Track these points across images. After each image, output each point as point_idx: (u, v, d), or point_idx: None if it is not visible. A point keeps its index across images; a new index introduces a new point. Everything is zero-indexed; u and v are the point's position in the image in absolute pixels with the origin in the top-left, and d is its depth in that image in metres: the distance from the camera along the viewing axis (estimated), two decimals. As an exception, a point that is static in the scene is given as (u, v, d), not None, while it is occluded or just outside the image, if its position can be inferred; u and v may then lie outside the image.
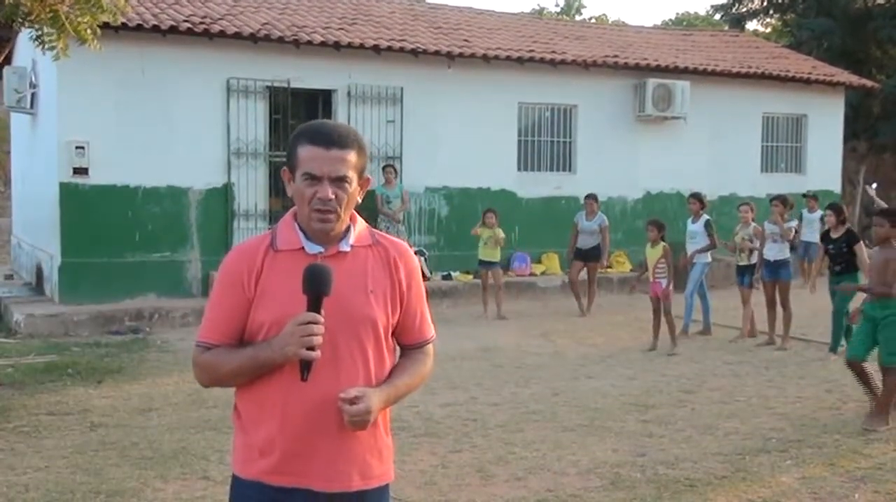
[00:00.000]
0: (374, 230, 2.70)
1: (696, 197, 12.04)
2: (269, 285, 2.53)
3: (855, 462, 6.31)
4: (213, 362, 2.56)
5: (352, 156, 2.54)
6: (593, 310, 13.37)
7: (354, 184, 2.56)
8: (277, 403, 2.52)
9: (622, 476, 5.99)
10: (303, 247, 2.56)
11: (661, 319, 10.60)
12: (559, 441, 6.81)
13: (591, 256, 13.47)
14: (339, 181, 2.51)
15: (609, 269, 15.76)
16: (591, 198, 13.65)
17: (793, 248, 11.46)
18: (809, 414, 7.61)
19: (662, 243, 10.72)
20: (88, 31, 8.26)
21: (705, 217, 11.78)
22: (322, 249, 2.55)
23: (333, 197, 2.50)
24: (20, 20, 8.33)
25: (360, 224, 2.65)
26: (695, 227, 11.74)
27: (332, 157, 2.50)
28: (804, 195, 16.90)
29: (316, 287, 2.42)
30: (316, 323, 2.40)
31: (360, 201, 2.63)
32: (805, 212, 16.36)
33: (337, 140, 2.52)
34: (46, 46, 8.38)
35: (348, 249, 2.58)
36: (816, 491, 5.71)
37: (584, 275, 13.64)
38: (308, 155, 2.51)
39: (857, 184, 23.97)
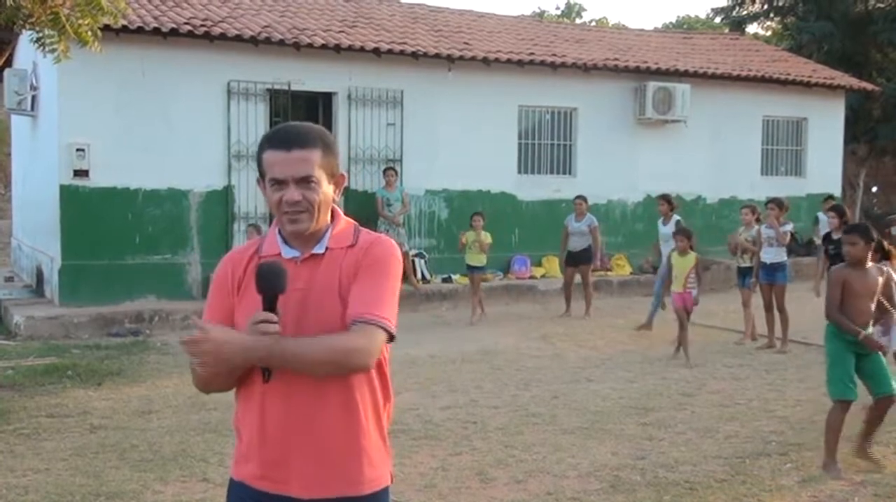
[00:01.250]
0: (361, 231, 2.63)
1: (665, 198, 12.17)
2: (248, 290, 2.53)
3: (855, 465, 6.30)
4: None
5: (315, 156, 2.50)
6: (592, 312, 13.32)
7: (324, 183, 2.51)
8: (256, 408, 2.53)
9: (622, 479, 5.99)
10: (280, 253, 2.56)
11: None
12: (559, 444, 6.81)
13: (581, 259, 13.34)
14: (305, 182, 2.48)
15: (608, 272, 15.78)
16: (581, 198, 13.51)
17: (790, 251, 11.49)
18: (809, 418, 7.59)
19: (693, 253, 10.46)
20: (89, 33, 8.27)
21: (676, 217, 11.95)
22: (298, 254, 2.54)
23: (301, 198, 2.47)
24: (21, 22, 8.33)
25: (342, 223, 2.61)
26: (667, 229, 11.83)
27: (293, 159, 2.47)
28: (827, 197, 16.96)
29: (267, 285, 2.40)
30: (269, 321, 2.37)
31: (337, 200, 2.60)
32: (821, 214, 16.38)
33: (296, 140, 2.49)
34: (47, 49, 8.39)
35: (322, 251, 2.55)
36: (816, 495, 5.71)
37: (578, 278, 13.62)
38: (270, 160, 2.49)
39: (858, 187, 23.99)
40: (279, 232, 2.59)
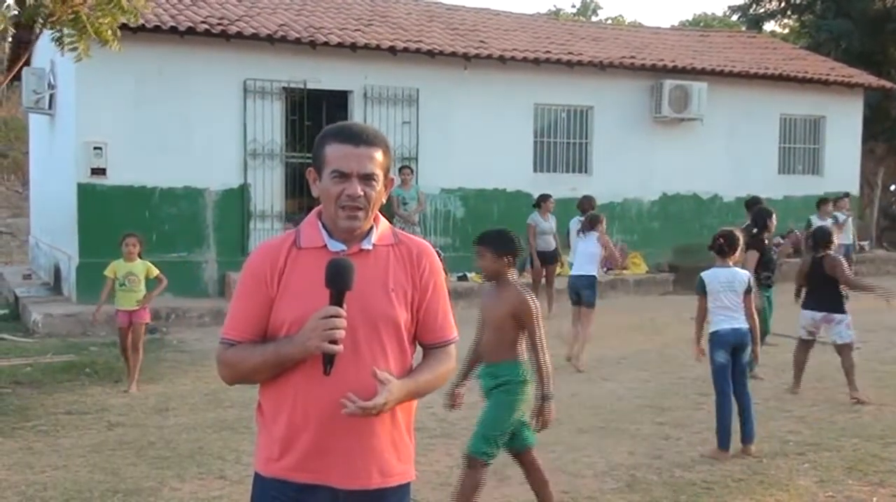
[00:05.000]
0: (397, 230, 2.72)
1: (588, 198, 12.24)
2: (291, 282, 2.55)
3: (873, 465, 6.26)
4: (236, 359, 2.58)
5: (379, 155, 2.57)
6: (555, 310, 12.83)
7: (381, 183, 2.58)
8: (298, 400, 2.54)
9: (638, 478, 5.98)
10: (325, 245, 2.57)
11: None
12: (575, 443, 6.80)
13: (552, 258, 13.13)
14: (368, 178, 2.54)
15: (624, 271, 15.72)
16: (548, 197, 13.23)
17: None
18: (827, 418, 7.56)
19: None
20: (109, 32, 8.30)
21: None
22: (344, 247, 2.57)
23: (362, 194, 2.52)
24: (42, 21, 8.38)
25: (383, 224, 2.67)
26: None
27: (361, 155, 2.53)
28: (842, 196, 16.70)
29: (338, 281, 2.44)
30: (338, 316, 2.41)
31: (384, 201, 2.65)
32: (839, 214, 16.18)
33: (365, 138, 2.55)
34: (68, 48, 8.42)
35: (370, 247, 2.59)
36: (834, 495, 5.68)
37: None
38: (336, 153, 2.54)
39: (876, 186, 23.82)
40: (322, 224, 2.61)
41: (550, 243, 13.09)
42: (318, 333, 2.41)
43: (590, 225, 10.38)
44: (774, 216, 9.57)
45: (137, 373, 8.64)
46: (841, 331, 8.30)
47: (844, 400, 8.19)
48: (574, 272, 10.32)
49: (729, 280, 6.53)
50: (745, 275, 6.63)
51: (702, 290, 6.61)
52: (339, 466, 2.54)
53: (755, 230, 9.18)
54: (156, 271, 8.78)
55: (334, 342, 2.41)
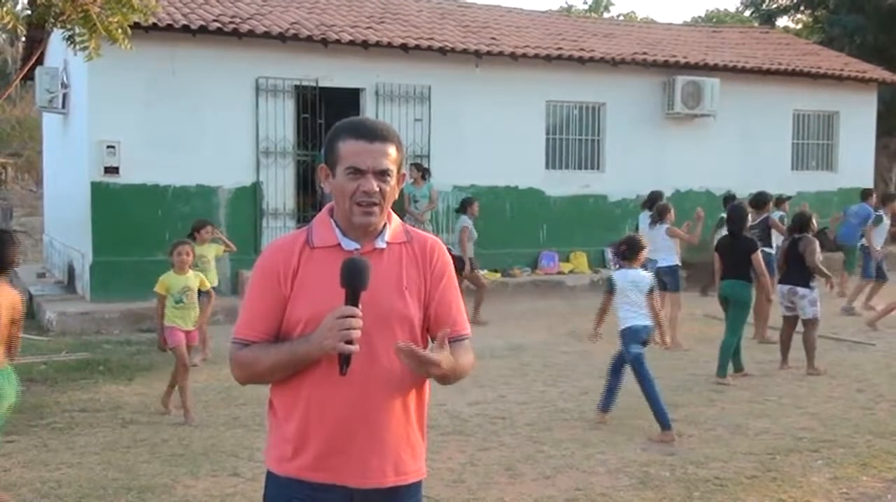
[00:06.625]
0: (408, 227, 2.71)
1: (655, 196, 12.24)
2: (305, 282, 2.54)
3: (888, 462, 6.24)
4: (250, 359, 2.57)
5: (393, 151, 2.56)
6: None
7: (394, 178, 2.57)
8: (312, 400, 2.53)
9: (651, 475, 5.97)
10: (339, 244, 2.57)
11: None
12: (588, 440, 6.80)
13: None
14: (383, 174, 2.53)
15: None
16: (474, 200, 12.94)
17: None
18: (841, 414, 7.53)
19: None
20: (119, 31, 8.32)
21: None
22: (359, 246, 2.57)
23: (378, 190, 2.52)
24: (52, 20, 8.41)
25: (395, 221, 2.66)
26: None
27: (376, 151, 2.53)
28: (786, 198, 16.03)
29: (354, 281, 2.43)
30: (354, 316, 2.40)
31: (395, 197, 2.64)
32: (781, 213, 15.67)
33: (380, 134, 2.55)
34: (78, 47, 8.46)
35: (384, 246, 2.59)
36: (848, 492, 5.66)
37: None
38: (351, 149, 2.53)
39: (890, 182, 23.69)
40: (335, 223, 2.60)
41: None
42: (334, 333, 2.40)
43: (659, 216, 11.15)
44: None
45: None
46: (804, 306, 9.08)
47: (858, 397, 8.17)
48: (658, 265, 10.97)
49: (635, 280, 7.19)
50: (649, 277, 7.34)
51: (611, 289, 7.29)
52: (355, 465, 2.53)
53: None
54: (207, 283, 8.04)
55: (350, 342, 2.40)
